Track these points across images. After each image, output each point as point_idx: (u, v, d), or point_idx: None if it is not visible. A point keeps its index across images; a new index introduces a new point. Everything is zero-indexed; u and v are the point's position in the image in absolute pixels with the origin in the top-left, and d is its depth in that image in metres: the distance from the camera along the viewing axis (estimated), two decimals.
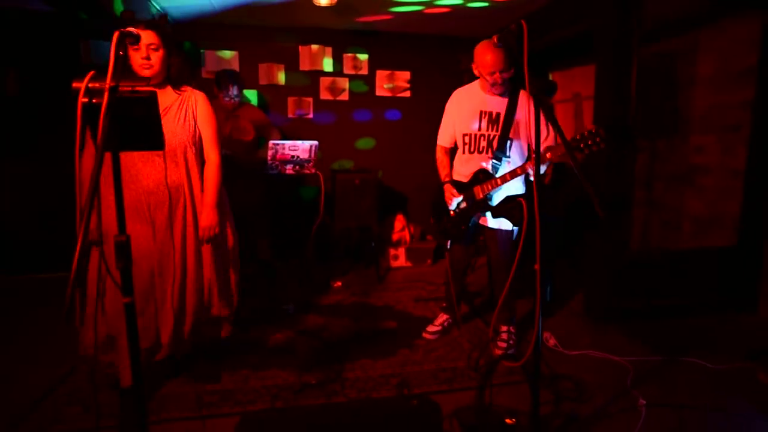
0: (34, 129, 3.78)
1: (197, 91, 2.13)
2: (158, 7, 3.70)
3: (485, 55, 2.34)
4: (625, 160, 2.91)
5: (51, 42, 3.78)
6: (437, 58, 4.67)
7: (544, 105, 1.59)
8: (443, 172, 2.67)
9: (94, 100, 1.19)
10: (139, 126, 1.32)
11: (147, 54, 1.91)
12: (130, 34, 1.30)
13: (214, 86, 3.51)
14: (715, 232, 3.40)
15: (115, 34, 1.26)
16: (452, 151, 2.72)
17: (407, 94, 4.76)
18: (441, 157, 2.71)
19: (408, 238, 4.57)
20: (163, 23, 1.98)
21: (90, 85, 1.21)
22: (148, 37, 1.90)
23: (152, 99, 1.31)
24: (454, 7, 3.66)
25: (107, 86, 1.18)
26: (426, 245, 4.54)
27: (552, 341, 2.74)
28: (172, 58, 2.01)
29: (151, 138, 1.35)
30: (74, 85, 1.20)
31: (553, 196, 3.31)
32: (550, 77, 5.26)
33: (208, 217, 2.07)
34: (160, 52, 1.95)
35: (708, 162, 3.41)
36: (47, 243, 3.75)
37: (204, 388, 2.26)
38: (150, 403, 2.13)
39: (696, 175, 3.47)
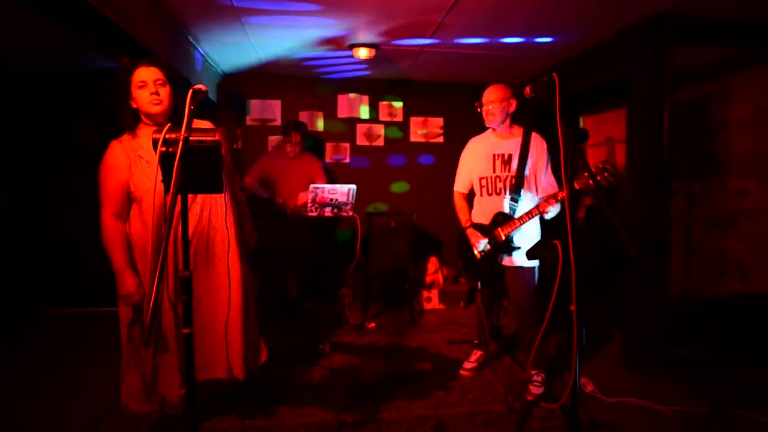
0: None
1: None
2: (212, 63, 4.04)
3: (484, 91, 2.67)
4: (660, 203, 2.91)
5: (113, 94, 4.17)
6: (469, 105, 4.80)
7: (569, 148, 1.66)
8: (463, 218, 2.80)
9: (170, 149, 1.34)
10: (203, 171, 1.46)
11: (155, 89, 1.88)
12: (200, 91, 1.47)
13: (282, 133, 3.93)
14: (763, 277, 3.28)
15: (190, 91, 1.44)
16: (469, 196, 2.86)
17: (440, 139, 4.92)
18: (460, 203, 2.84)
19: (441, 280, 4.59)
20: (162, 60, 1.98)
21: (167, 136, 1.37)
22: (152, 73, 1.88)
23: (217, 148, 1.46)
24: (486, 52, 3.81)
25: (182, 137, 1.34)
26: (459, 288, 4.54)
27: (590, 387, 2.67)
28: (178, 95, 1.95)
29: (214, 182, 1.49)
30: (153, 136, 1.36)
31: (588, 239, 3.32)
32: (581, 121, 5.34)
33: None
34: (168, 88, 1.91)
35: (751, 205, 3.34)
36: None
37: (243, 423, 2.30)
38: None
39: (739, 219, 3.40)
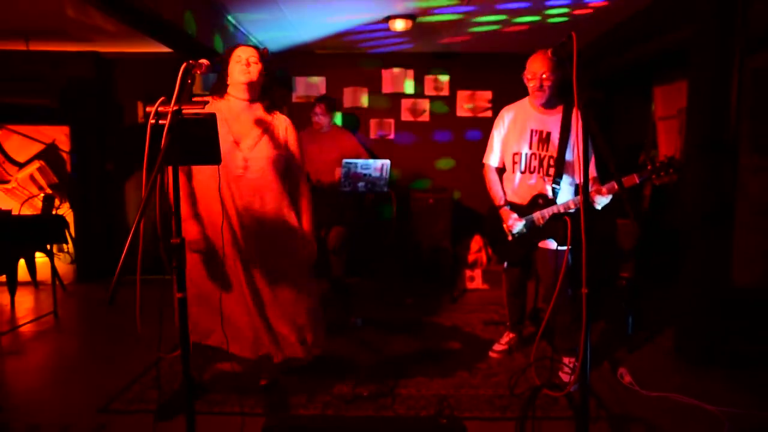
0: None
1: (286, 117, 2.21)
2: (256, 42, 4.13)
3: (529, 61, 2.37)
4: (719, 179, 2.57)
5: (171, 77, 4.44)
6: (519, 76, 4.55)
7: (591, 120, 1.50)
8: (497, 195, 2.58)
9: (160, 122, 1.38)
10: (200, 143, 1.50)
11: (247, 63, 2.06)
12: (198, 64, 1.50)
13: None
14: None
15: (183, 65, 1.47)
16: (499, 171, 2.65)
17: (488, 113, 4.70)
18: (493, 179, 2.61)
19: (485, 259, 4.45)
20: (264, 52, 2.17)
21: (160, 109, 1.42)
22: (248, 51, 2.09)
23: (212, 120, 1.49)
24: (532, 24, 3.58)
25: (171, 109, 1.37)
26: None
27: (627, 378, 2.47)
28: (268, 79, 2.15)
29: (210, 153, 1.53)
30: (147, 109, 1.41)
31: (650, 221, 3.04)
32: (653, 91, 4.85)
33: (310, 245, 2.18)
34: (259, 66, 2.09)
35: None
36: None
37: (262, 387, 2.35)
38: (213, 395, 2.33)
39: None
